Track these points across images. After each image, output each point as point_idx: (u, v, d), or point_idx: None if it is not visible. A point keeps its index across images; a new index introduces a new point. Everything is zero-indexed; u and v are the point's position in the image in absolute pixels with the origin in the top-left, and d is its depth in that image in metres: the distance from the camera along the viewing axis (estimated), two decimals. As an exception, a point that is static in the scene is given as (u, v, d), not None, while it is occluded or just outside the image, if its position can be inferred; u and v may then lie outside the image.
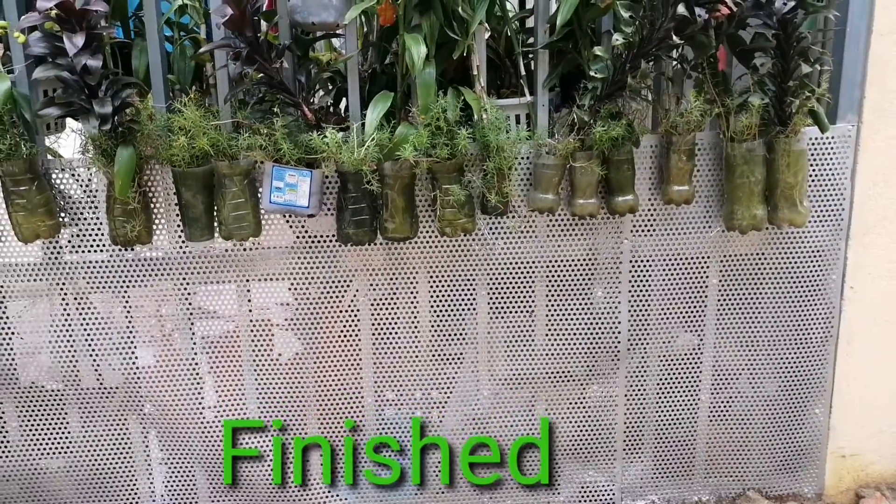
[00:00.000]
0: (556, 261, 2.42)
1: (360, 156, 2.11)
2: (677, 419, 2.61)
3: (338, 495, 2.58)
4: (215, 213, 2.26)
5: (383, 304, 2.45)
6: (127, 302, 2.41)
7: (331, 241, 2.36)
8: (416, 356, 2.50)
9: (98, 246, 2.34)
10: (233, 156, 2.19)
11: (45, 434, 2.49)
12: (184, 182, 2.21)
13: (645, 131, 2.30)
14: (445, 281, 2.43)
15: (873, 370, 2.58)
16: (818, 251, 2.46)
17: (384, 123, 2.16)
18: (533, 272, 2.43)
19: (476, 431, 2.57)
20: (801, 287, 2.49)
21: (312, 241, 2.37)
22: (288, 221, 2.36)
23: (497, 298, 2.45)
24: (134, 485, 2.55)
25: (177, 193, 2.24)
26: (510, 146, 2.18)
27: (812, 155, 2.36)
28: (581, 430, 2.60)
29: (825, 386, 2.59)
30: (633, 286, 2.47)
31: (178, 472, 2.55)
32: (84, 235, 2.33)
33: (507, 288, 2.44)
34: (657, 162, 2.35)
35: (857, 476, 2.69)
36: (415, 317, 2.47)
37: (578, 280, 2.45)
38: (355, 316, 2.45)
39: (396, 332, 2.48)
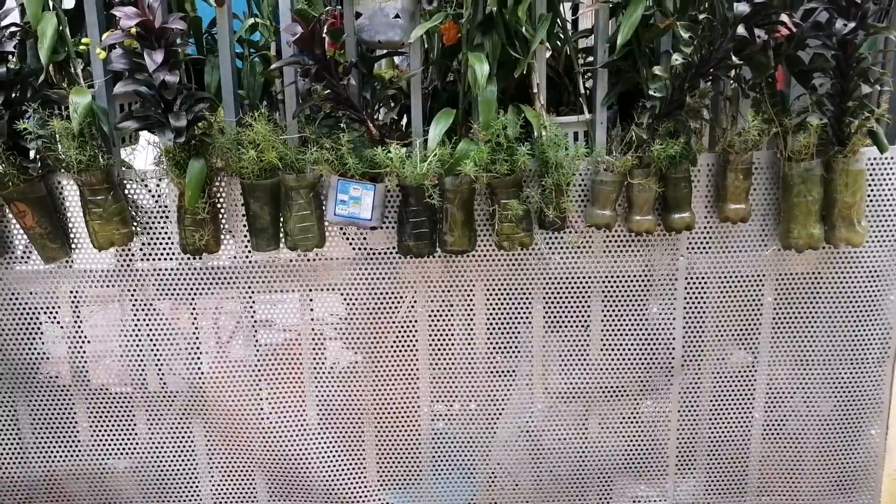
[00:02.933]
0: (611, 276, 2.46)
1: (422, 171, 2.17)
2: (730, 436, 2.62)
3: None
4: (281, 224, 2.34)
5: (440, 315, 2.51)
6: (194, 309, 2.50)
7: (391, 253, 2.43)
8: (472, 368, 2.54)
9: (168, 254, 2.43)
10: (300, 169, 2.26)
11: (113, 435, 2.58)
12: (252, 194, 2.29)
13: (702, 150, 2.33)
14: (502, 294, 2.48)
15: (931, 392, 2.57)
16: (875, 271, 2.45)
17: (446, 139, 2.22)
18: (589, 287, 2.47)
19: (529, 445, 2.61)
20: (858, 307, 2.49)
21: (373, 253, 2.44)
22: (345, 233, 2.43)
23: (552, 312, 2.49)
24: (196, 486, 2.63)
25: (245, 205, 2.33)
26: (569, 162, 2.23)
27: (870, 175, 2.36)
28: (633, 446, 2.62)
29: (881, 406, 2.58)
30: (688, 303, 2.49)
31: (239, 475, 2.63)
32: (155, 244, 2.42)
33: (563, 302, 2.48)
34: (714, 180, 2.37)
35: (914, 499, 2.67)
36: (471, 329, 2.51)
37: (634, 296, 2.48)
38: (413, 327, 2.51)
39: (452, 344, 2.53)
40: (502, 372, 2.56)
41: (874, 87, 2.20)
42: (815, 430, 2.61)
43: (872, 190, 2.38)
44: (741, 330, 2.52)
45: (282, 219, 2.33)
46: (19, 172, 2.24)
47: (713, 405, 2.59)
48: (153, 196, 2.40)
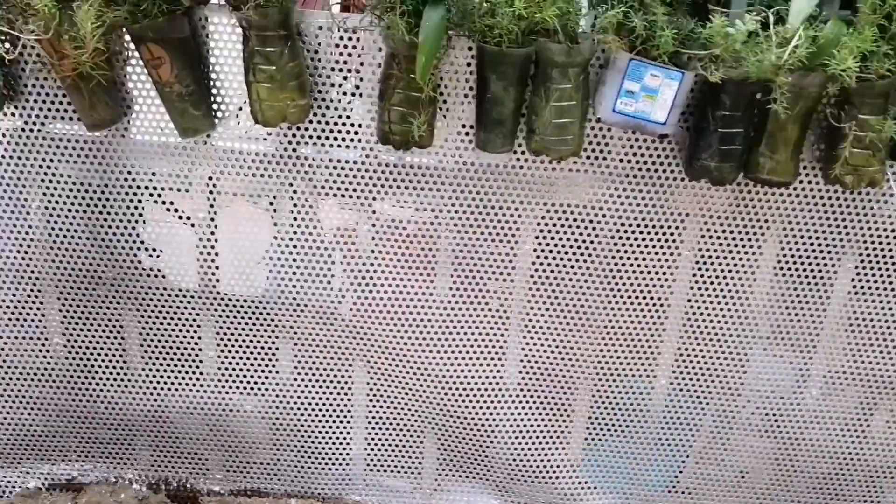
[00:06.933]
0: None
1: (778, 60, 1.43)
2: None
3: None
4: (523, 118, 1.62)
5: (714, 261, 1.81)
6: (373, 213, 1.81)
7: (668, 172, 1.72)
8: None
9: (351, 141, 1.72)
10: (573, 37, 1.53)
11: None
12: (496, 68, 1.56)
13: None
14: (803, 243, 1.78)
15: None
16: None
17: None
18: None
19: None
20: None
21: (639, 171, 1.73)
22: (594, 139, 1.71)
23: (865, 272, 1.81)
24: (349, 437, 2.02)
25: (479, 83, 1.60)
26: None
27: None
28: None
29: None
30: None
31: (404, 429, 2.01)
32: (335, 125, 1.71)
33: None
34: None
35: None
36: (751, 279, 1.83)
37: None
38: (673, 269, 1.82)
39: (720, 302, 1.86)
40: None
41: None
42: None
43: None
44: None
45: (525, 109, 1.62)
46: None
47: None
48: (341, 57, 1.67)
